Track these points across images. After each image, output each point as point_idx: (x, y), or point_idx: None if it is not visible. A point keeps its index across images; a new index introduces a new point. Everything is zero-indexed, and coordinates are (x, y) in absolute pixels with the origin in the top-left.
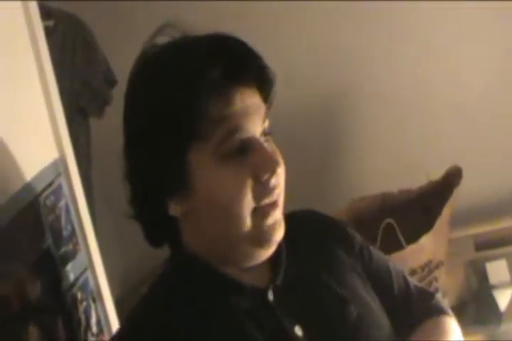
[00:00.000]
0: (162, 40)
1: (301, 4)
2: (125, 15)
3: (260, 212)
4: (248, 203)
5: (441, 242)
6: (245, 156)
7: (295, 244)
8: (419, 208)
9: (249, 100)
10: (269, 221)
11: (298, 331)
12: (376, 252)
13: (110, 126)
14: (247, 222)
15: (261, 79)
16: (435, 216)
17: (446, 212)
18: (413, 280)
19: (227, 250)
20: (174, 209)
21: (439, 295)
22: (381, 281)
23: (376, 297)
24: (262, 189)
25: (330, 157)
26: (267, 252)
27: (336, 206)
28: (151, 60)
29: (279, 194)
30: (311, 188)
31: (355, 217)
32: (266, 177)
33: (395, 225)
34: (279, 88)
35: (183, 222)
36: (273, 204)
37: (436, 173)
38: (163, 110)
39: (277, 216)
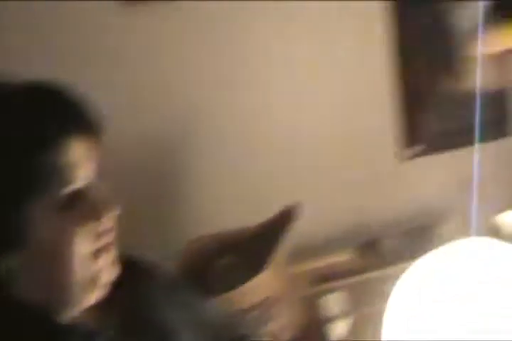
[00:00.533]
0: None
1: None
2: None
3: (96, 254)
4: (83, 248)
5: (279, 279)
6: (79, 204)
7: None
8: (256, 246)
9: (80, 148)
10: (102, 263)
11: None
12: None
13: None
14: (80, 267)
15: (89, 128)
16: (271, 253)
17: (282, 249)
18: None
19: (59, 297)
20: (7, 263)
21: None
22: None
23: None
24: (93, 235)
25: (168, 198)
26: (99, 293)
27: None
28: None
29: (111, 236)
30: (150, 232)
31: (193, 257)
32: (95, 225)
33: (233, 263)
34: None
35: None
36: (108, 246)
37: (274, 210)
38: None
39: (110, 258)
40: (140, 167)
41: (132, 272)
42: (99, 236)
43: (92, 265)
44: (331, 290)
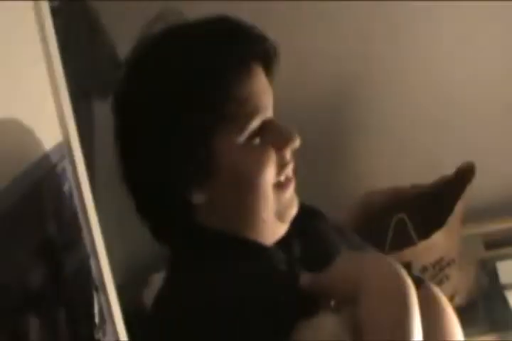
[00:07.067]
0: (161, 26)
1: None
2: None
3: (280, 187)
4: (272, 178)
5: (453, 239)
6: (264, 134)
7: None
8: (431, 204)
9: (262, 79)
10: (287, 195)
11: None
12: None
13: None
14: (272, 196)
15: (268, 55)
16: (447, 212)
17: (459, 208)
18: None
19: (251, 229)
20: (198, 197)
21: None
22: None
23: None
24: (281, 163)
25: (341, 152)
26: (285, 227)
27: (347, 200)
28: (161, 43)
29: (291, 170)
30: (321, 184)
31: (366, 211)
32: (285, 150)
33: (407, 221)
34: (284, 86)
35: (203, 208)
36: (290, 179)
37: (449, 169)
38: (185, 92)
39: (292, 191)
40: (311, 118)
41: (306, 212)
42: (282, 167)
43: (278, 197)
44: (509, 256)
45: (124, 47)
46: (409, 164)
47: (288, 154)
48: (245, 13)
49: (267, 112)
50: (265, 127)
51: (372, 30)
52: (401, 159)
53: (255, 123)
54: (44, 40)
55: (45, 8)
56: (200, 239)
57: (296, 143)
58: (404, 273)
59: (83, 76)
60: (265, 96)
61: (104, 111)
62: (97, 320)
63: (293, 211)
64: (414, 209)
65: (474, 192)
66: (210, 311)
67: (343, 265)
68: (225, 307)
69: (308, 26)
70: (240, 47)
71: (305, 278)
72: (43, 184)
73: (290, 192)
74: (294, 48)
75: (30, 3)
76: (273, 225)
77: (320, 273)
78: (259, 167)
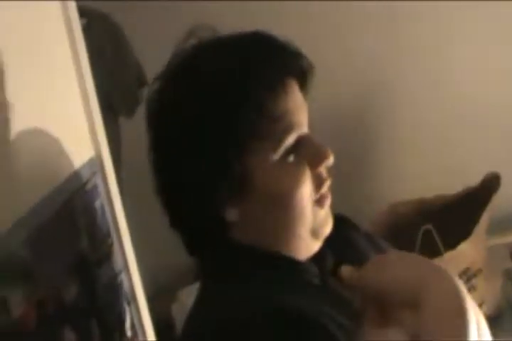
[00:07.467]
0: (193, 42)
1: (330, 5)
2: (157, 16)
3: (316, 204)
4: (308, 195)
5: (480, 249)
6: (299, 150)
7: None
8: (457, 214)
9: (297, 94)
10: (323, 212)
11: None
12: None
13: (141, 126)
14: (309, 213)
15: (303, 72)
16: (473, 222)
17: (484, 219)
18: None
19: (285, 246)
20: (232, 214)
21: None
22: None
23: None
24: (317, 181)
25: (365, 163)
26: (319, 243)
27: (371, 210)
28: (194, 58)
29: (327, 186)
30: (346, 195)
31: (394, 222)
32: (320, 168)
33: (434, 231)
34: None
35: (237, 224)
36: (326, 196)
37: (474, 179)
38: (218, 109)
39: (328, 208)
40: (335, 129)
41: (336, 221)
42: (319, 185)
43: (314, 214)
44: None
45: (149, 66)
46: (434, 175)
47: (323, 171)
48: (270, 23)
49: (302, 128)
50: (300, 143)
51: (396, 41)
52: (426, 170)
53: (290, 140)
54: (76, 57)
55: (77, 26)
56: (234, 253)
57: (330, 160)
58: (463, 288)
59: (109, 93)
60: (300, 112)
61: (129, 127)
62: (129, 333)
63: (328, 228)
64: (440, 220)
65: (500, 203)
66: (246, 324)
67: (401, 268)
68: (260, 321)
69: (334, 37)
70: (273, 64)
71: (347, 270)
72: (75, 200)
73: (326, 209)
74: (319, 58)
75: (62, 21)
76: (308, 242)
77: (371, 269)
78: (294, 184)
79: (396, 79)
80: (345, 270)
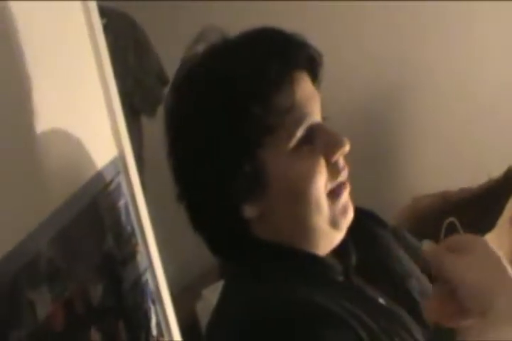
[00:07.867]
0: (202, 45)
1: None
2: (178, 14)
3: (333, 194)
4: (324, 185)
5: (504, 242)
6: (313, 140)
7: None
8: (480, 207)
9: (306, 85)
10: (342, 201)
11: (382, 301)
12: None
13: (162, 125)
14: (325, 204)
15: (311, 62)
16: (497, 215)
17: (508, 210)
18: None
19: (306, 239)
20: (250, 211)
21: None
22: None
23: None
24: (333, 170)
25: (388, 157)
26: (341, 235)
27: (395, 203)
28: (205, 60)
29: (347, 175)
30: (371, 186)
31: (418, 215)
32: (336, 156)
33: (458, 224)
34: (335, 85)
35: (257, 221)
36: (343, 185)
37: (497, 171)
38: (229, 107)
39: (347, 197)
40: (357, 123)
41: (364, 218)
42: (335, 174)
43: (331, 205)
44: None
45: (170, 65)
46: (457, 168)
47: (340, 160)
48: (290, 18)
49: (315, 118)
50: (313, 133)
51: (420, 35)
52: (449, 163)
53: (302, 131)
54: (98, 57)
55: (99, 26)
56: (256, 251)
57: (346, 148)
58: None
59: (130, 92)
60: (311, 102)
61: (151, 128)
62: (154, 332)
63: (348, 218)
64: (463, 213)
65: None
66: (285, 325)
67: (476, 271)
68: (300, 322)
69: (355, 31)
70: (278, 59)
71: (428, 245)
72: (99, 200)
73: (345, 198)
74: (340, 53)
75: (83, 22)
76: (328, 234)
77: (449, 256)
78: (309, 175)
79: (419, 75)
80: (427, 245)
